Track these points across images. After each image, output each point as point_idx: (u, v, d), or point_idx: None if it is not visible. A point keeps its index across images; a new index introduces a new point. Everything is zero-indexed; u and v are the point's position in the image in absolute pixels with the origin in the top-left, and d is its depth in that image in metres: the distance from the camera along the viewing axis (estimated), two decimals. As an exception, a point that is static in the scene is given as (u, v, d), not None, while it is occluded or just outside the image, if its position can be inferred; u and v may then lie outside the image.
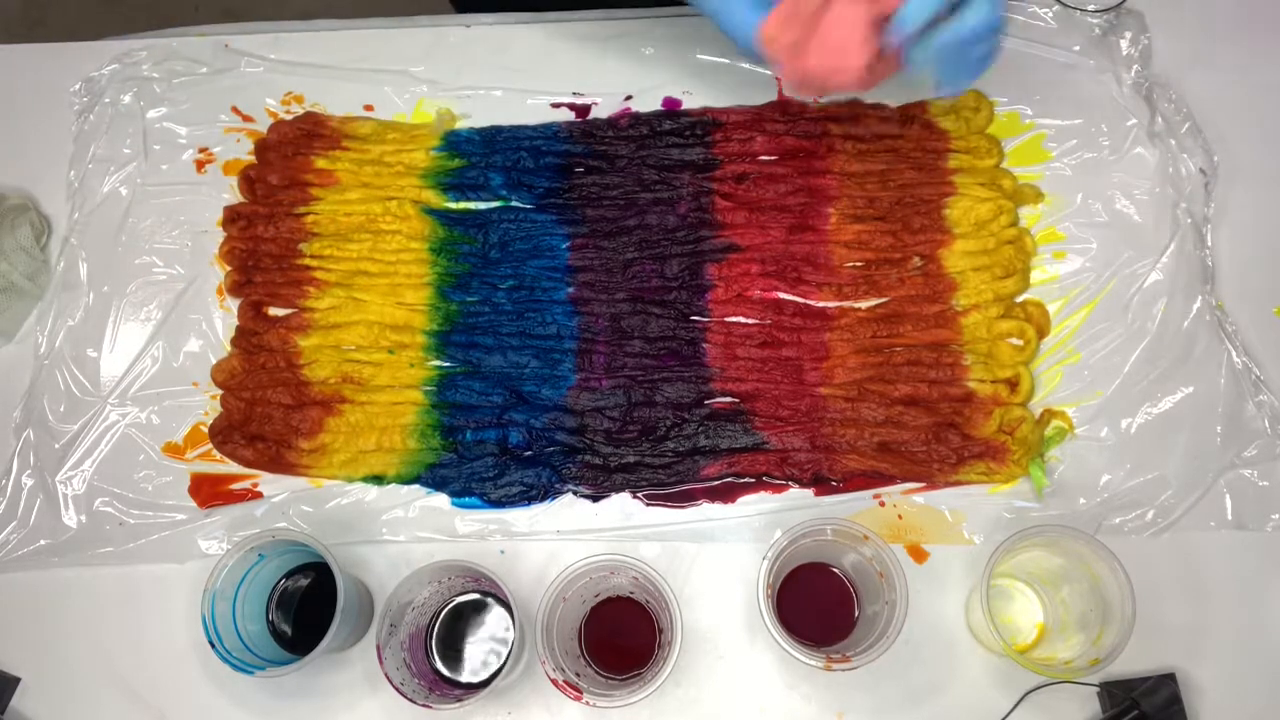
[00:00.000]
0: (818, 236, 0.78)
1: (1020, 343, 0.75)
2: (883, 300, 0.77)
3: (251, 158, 0.84)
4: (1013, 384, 0.74)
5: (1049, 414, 0.74)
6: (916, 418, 0.73)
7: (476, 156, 0.82)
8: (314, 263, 0.80)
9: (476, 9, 0.90)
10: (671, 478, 0.73)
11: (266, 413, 0.76)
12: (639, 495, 0.74)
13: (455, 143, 0.82)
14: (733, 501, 0.73)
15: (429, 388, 0.76)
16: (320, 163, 0.82)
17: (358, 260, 0.79)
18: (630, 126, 0.82)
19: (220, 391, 0.77)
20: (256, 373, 0.77)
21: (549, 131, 0.82)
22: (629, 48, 0.85)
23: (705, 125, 0.82)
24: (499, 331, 0.77)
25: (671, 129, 0.81)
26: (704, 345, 0.76)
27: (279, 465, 0.75)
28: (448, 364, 0.77)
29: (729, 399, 0.75)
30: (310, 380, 0.76)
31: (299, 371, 0.76)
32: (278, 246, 0.80)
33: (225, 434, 0.75)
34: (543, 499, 0.74)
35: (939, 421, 0.73)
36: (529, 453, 0.75)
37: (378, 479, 0.74)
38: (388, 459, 0.74)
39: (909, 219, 0.78)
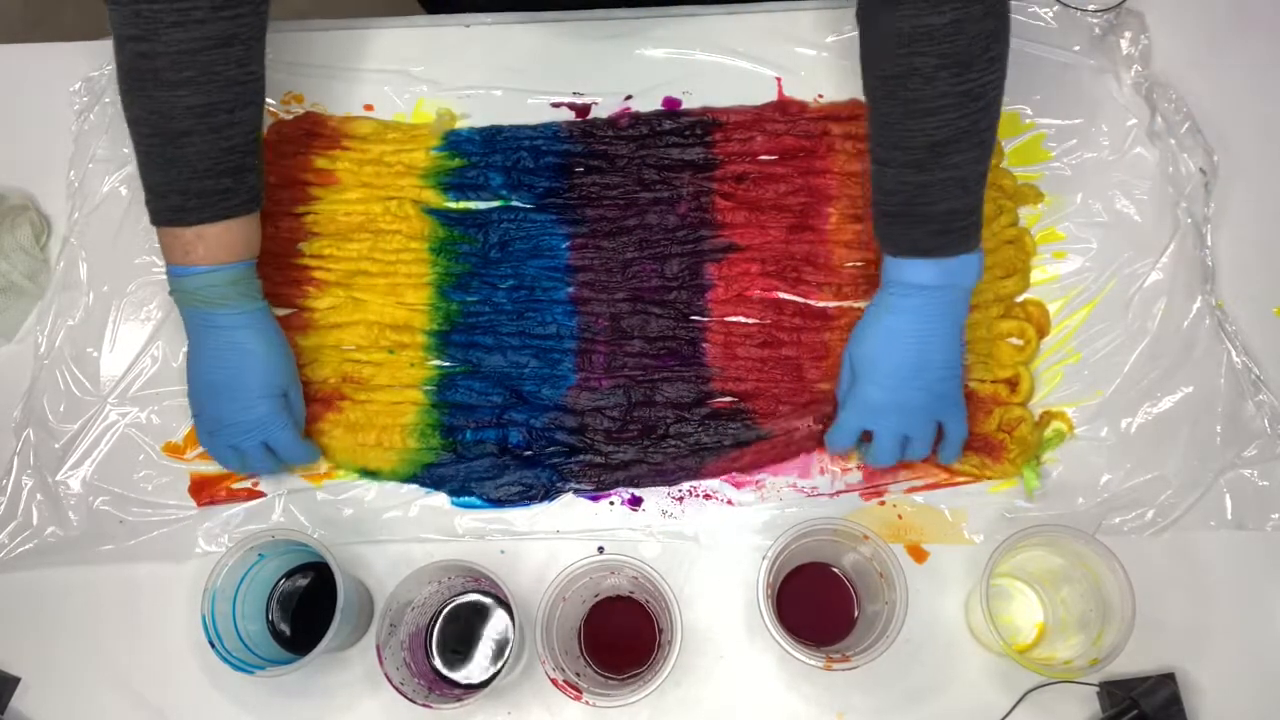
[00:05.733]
0: (817, 236, 0.78)
1: (1020, 343, 0.75)
2: None
3: (251, 158, 0.83)
4: (1012, 384, 0.74)
5: (1049, 416, 0.74)
6: None
7: (476, 156, 0.82)
8: (313, 262, 0.80)
9: (446, 9, 0.90)
10: (674, 474, 0.73)
11: None
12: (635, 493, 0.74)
13: (455, 143, 0.82)
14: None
15: (429, 387, 0.76)
16: (320, 162, 0.82)
17: (357, 260, 0.79)
18: (630, 126, 0.82)
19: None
20: None
21: (549, 131, 0.82)
22: (629, 48, 0.85)
23: (705, 125, 0.82)
24: (499, 331, 0.77)
25: (671, 129, 0.81)
26: (704, 345, 0.76)
27: None
28: (448, 364, 0.77)
29: (729, 398, 0.75)
30: (311, 379, 0.76)
31: (299, 371, 0.76)
32: (277, 245, 0.80)
33: None
34: (543, 499, 0.74)
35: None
36: (529, 453, 0.75)
37: (374, 475, 0.74)
38: (386, 455, 0.74)
39: (909, 219, 0.78)
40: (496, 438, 0.75)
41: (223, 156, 0.65)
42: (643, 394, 0.75)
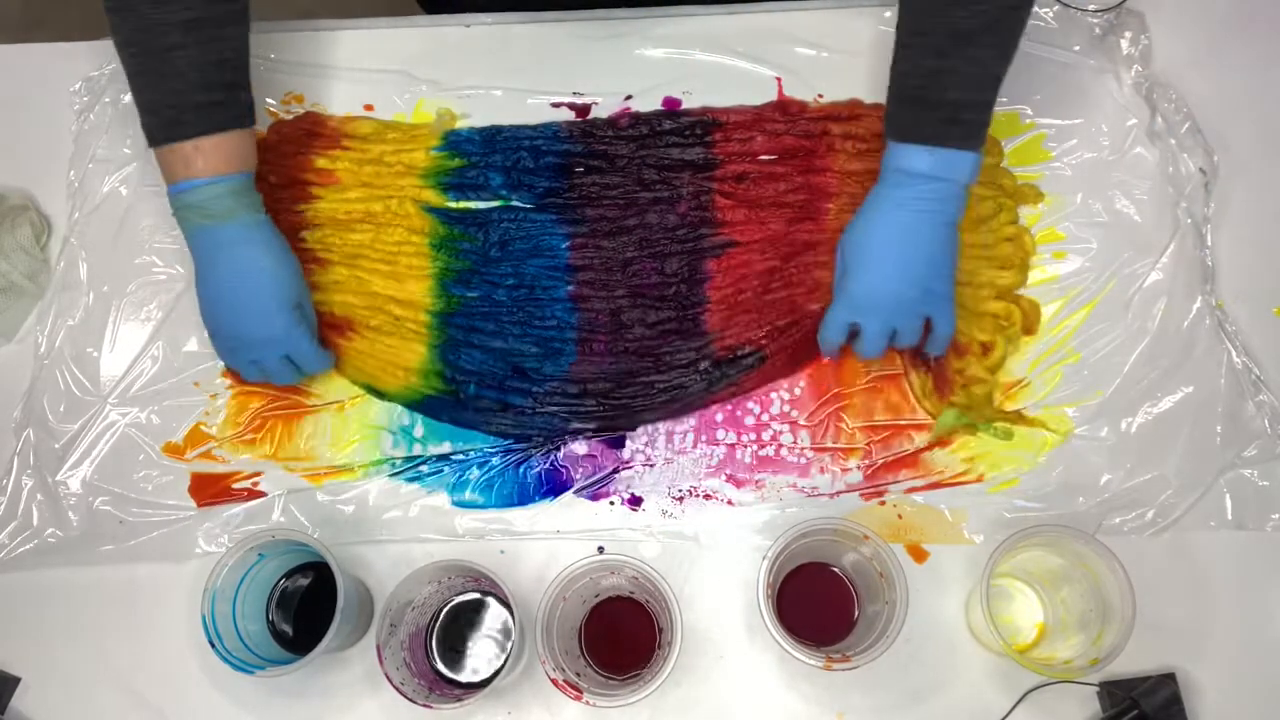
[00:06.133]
0: (817, 227, 0.78)
1: (1005, 324, 0.76)
2: None
3: (251, 158, 0.84)
4: (986, 348, 0.75)
5: (1024, 418, 0.74)
6: None
7: (476, 156, 0.82)
8: (317, 246, 0.80)
9: (446, 10, 0.90)
10: (679, 410, 0.75)
11: None
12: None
13: (455, 142, 0.82)
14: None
15: (434, 347, 0.77)
16: (320, 162, 0.82)
17: (359, 248, 0.80)
18: (630, 126, 0.82)
19: (219, 393, 0.77)
20: None
21: (549, 131, 0.82)
22: (629, 48, 0.85)
23: (705, 125, 0.82)
24: (500, 319, 0.78)
25: (671, 129, 0.81)
26: (703, 318, 0.76)
27: None
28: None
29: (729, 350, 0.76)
30: (321, 311, 0.78)
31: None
32: None
33: None
34: (544, 440, 0.75)
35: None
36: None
37: (381, 394, 0.76)
38: (390, 380, 0.76)
39: (909, 212, 0.78)
40: (497, 397, 0.75)
41: (213, 70, 0.67)
42: (646, 365, 0.76)
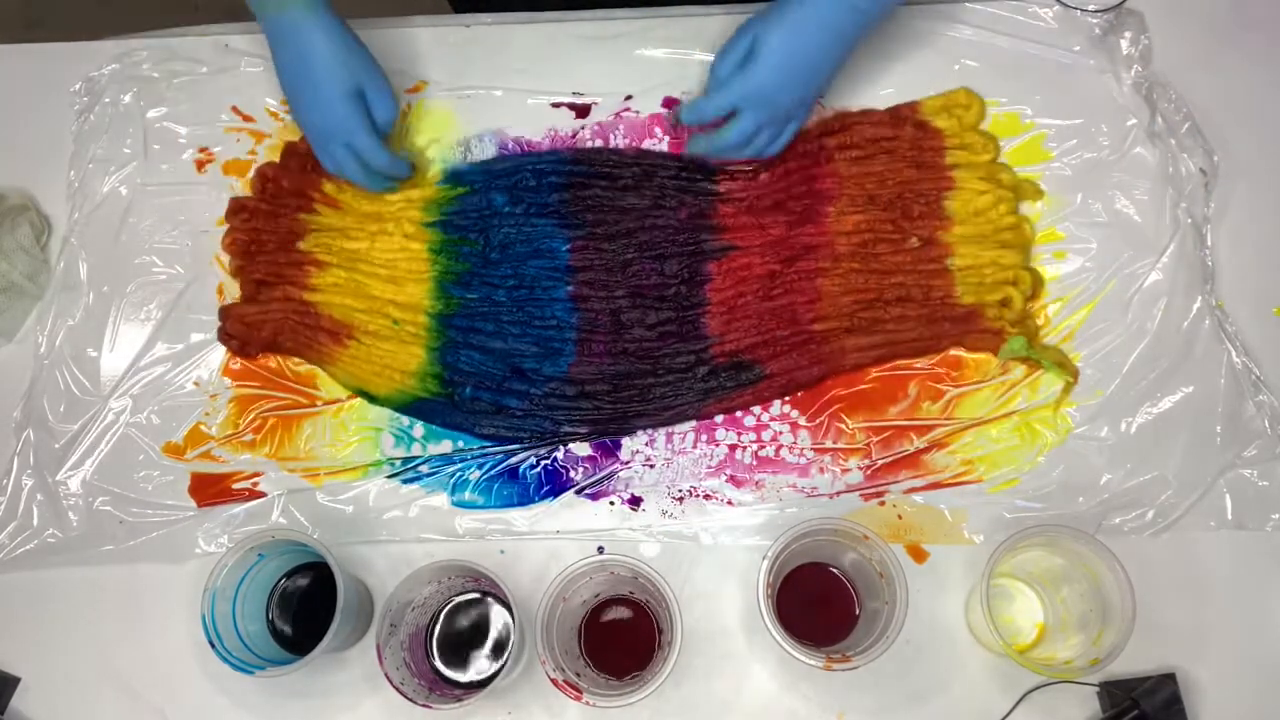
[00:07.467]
0: (817, 230, 0.78)
1: (1016, 283, 0.77)
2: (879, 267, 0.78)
3: (251, 157, 0.83)
4: (1004, 304, 0.76)
5: (1055, 352, 0.75)
6: (912, 328, 0.76)
7: (479, 183, 0.82)
8: (315, 249, 0.80)
9: (475, 9, 0.90)
10: (673, 417, 0.75)
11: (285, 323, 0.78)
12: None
13: (456, 175, 0.82)
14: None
15: (432, 350, 0.77)
16: (328, 186, 0.82)
17: (358, 254, 0.80)
18: (634, 160, 0.81)
19: (219, 393, 0.77)
20: (268, 304, 0.79)
21: (551, 159, 0.82)
22: (629, 48, 0.85)
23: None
24: (500, 319, 0.78)
25: (676, 168, 0.81)
26: (703, 320, 0.77)
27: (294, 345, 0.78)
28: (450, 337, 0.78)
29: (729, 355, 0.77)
30: (320, 314, 0.78)
31: (310, 308, 0.78)
32: (278, 239, 0.80)
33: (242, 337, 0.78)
34: (536, 443, 0.75)
35: (930, 315, 0.76)
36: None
37: (372, 398, 0.76)
38: (384, 384, 0.76)
39: (908, 207, 0.78)
40: (493, 399, 0.75)
41: None
42: (646, 367, 0.76)
